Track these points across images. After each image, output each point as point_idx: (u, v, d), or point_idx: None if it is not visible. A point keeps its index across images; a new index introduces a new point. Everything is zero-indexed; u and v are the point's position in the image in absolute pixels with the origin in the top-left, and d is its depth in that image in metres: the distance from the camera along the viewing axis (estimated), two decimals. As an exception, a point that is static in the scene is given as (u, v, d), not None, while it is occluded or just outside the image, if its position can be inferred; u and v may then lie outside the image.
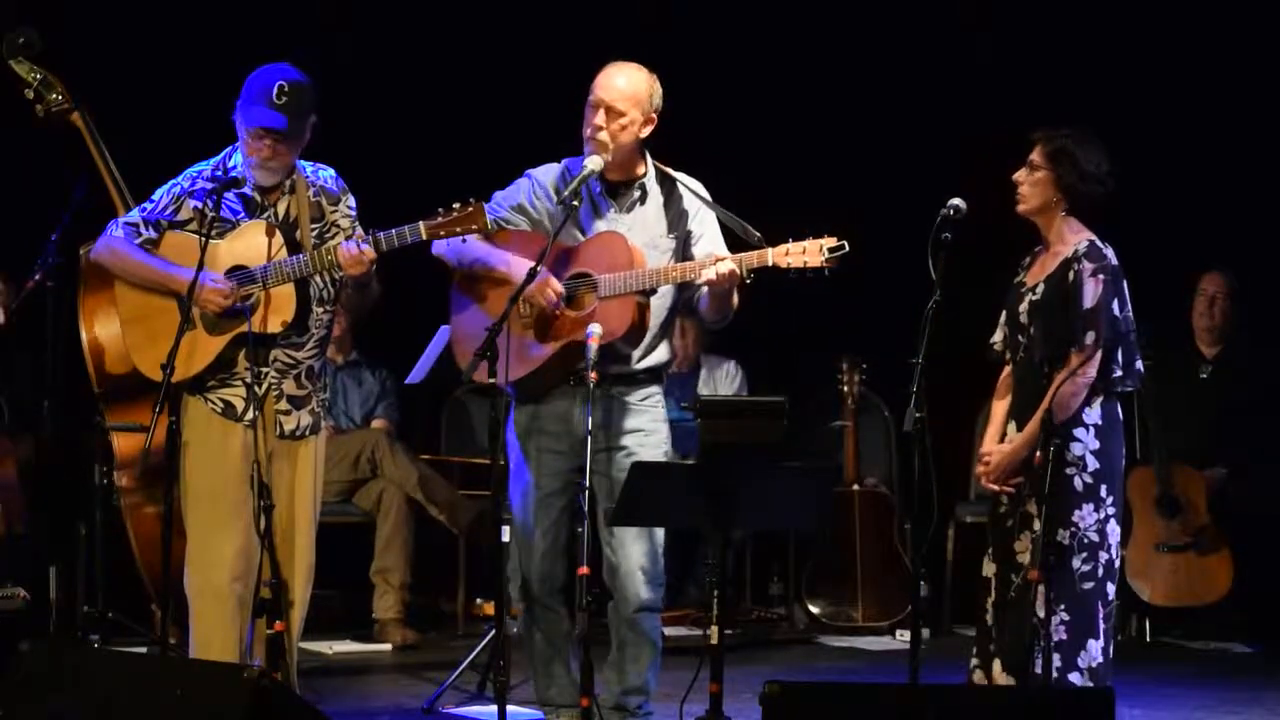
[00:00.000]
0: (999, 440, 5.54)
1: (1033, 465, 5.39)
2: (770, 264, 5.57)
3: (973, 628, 5.67)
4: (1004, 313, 5.59)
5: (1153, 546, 8.06)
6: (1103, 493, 5.41)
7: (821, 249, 5.53)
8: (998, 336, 5.61)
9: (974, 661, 5.54)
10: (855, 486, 8.61)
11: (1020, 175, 5.50)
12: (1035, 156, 5.48)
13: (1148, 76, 8.77)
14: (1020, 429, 5.47)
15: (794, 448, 8.59)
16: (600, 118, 5.73)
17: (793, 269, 5.55)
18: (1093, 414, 5.41)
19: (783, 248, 5.57)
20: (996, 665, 5.43)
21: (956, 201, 5.45)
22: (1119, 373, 5.42)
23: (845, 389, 8.70)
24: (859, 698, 4.92)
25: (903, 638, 8.13)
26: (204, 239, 5.54)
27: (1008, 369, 5.61)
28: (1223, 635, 8.16)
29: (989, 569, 5.53)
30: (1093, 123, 8.53)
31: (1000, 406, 5.60)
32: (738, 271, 5.57)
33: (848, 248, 5.55)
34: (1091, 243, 5.45)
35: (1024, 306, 5.50)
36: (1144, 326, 8.03)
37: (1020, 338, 5.52)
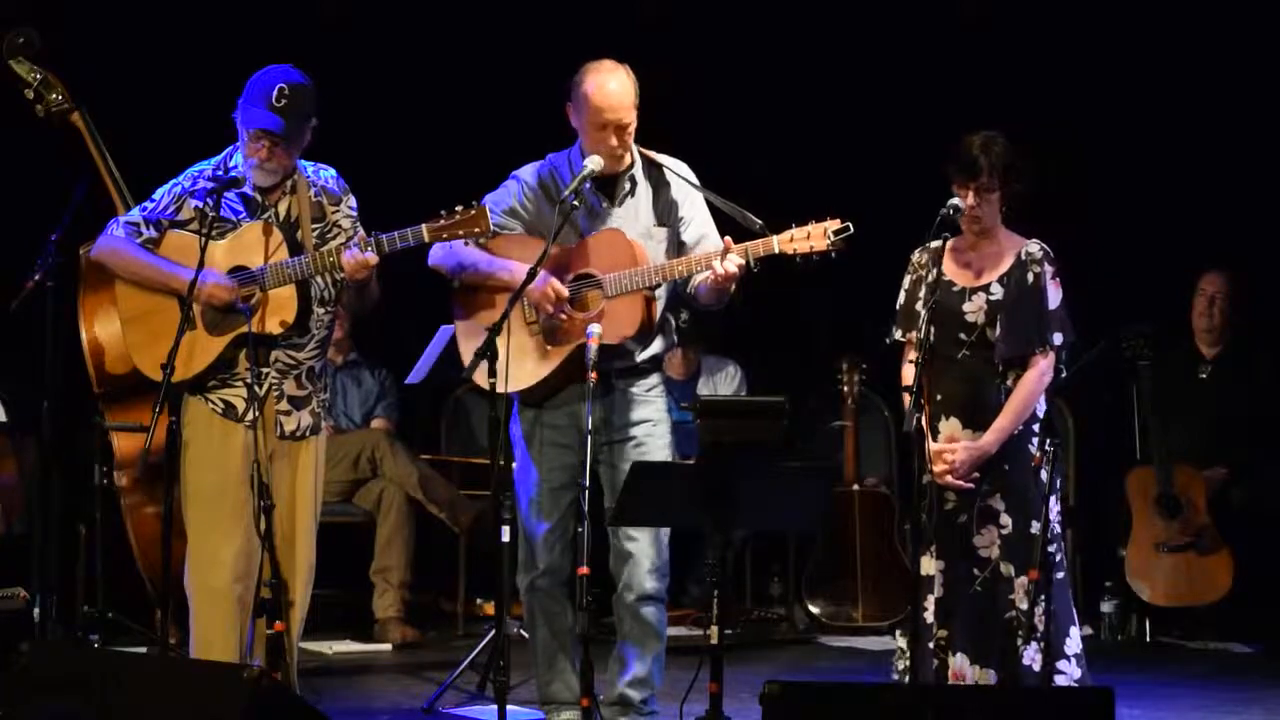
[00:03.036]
0: (934, 437, 5.52)
1: (995, 461, 5.42)
2: (776, 251, 5.58)
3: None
4: (930, 309, 5.45)
5: (1153, 546, 8.06)
6: (1058, 484, 5.49)
7: (826, 232, 5.54)
8: (923, 333, 5.50)
9: (902, 664, 5.53)
10: (855, 486, 8.61)
11: (973, 201, 5.46)
12: (985, 179, 5.44)
13: (1148, 77, 8.77)
14: (968, 425, 5.48)
15: (794, 448, 8.64)
16: (615, 139, 5.72)
17: (799, 255, 5.56)
18: (1042, 410, 5.48)
19: (787, 234, 5.58)
20: (960, 659, 5.44)
21: (956, 201, 5.46)
22: (1065, 373, 5.49)
23: (845, 389, 8.70)
24: (859, 698, 4.92)
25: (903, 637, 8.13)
26: (204, 239, 5.55)
27: (916, 365, 5.48)
28: (1222, 635, 8.15)
29: (931, 567, 5.52)
30: (1093, 123, 8.56)
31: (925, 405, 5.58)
32: (744, 263, 5.58)
33: (852, 229, 5.55)
34: (1042, 245, 5.53)
35: (973, 305, 5.49)
36: (1144, 326, 8.10)
37: (964, 336, 5.50)
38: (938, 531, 5.52)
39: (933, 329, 5.49)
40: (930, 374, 5.53)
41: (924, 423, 5.52)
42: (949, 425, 5.52)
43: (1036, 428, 5.44)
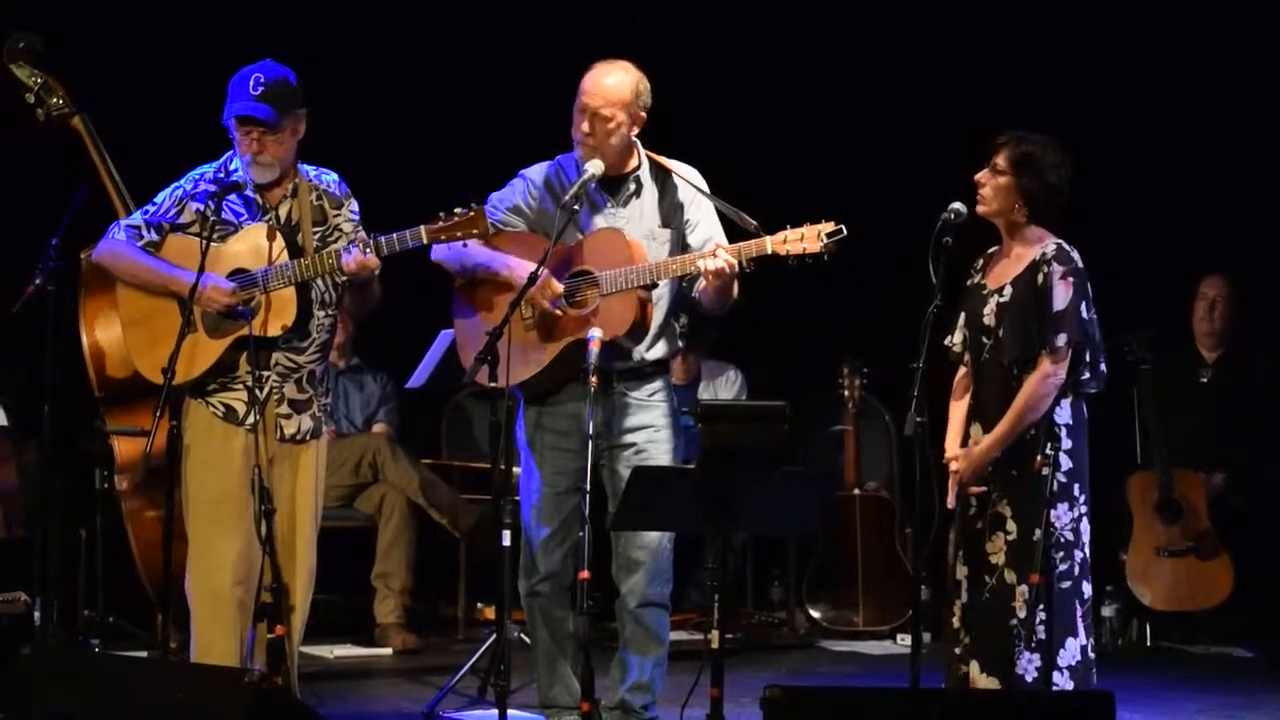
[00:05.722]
0: (962, 442, 5.53)
1: (1002, 466, 5.40)
2: (769, 252, 5.58)
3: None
4: (963, 315, 5.57)
5: (1153, 551, 8.06)
6: (1075, 491, 5.42)
7: (819, 234, 5.55)
8: (956, 338, 5.58)
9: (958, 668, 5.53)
10: (856, 491, 8.61)
11: (983, 176, 5.48)
12: (1000, 160, 5.46)
13: (1149, 79, 8.77)
14: (986, 430, 5.46)
15: (795, 452, 8.64)
16: (587, 124, 5.75)
17: (791, 256, 5.56)
18: (1063, 414, 5.41)
19: (780, 235, 5.58)
20: (974, 667, 5.43)
21: (958, 205, 5.45)
22: (1086, 374, 5.43)
23: (846, 393, 8.71)
24: (860, 702, 4.91)
25: (904, 642, 8.13)
26: (205, 242, 5.55)
27: (963, 371, 5.61)
28: (1223, 640, 8.16)
29: (961, 572, 5.52)
30: (1095, 124, 8.55)
31: (959, 408, 5.59)
32: (735, 262, 5.59)
33: (845, 232, 5.56)
34: (1060, 245, 5.45)
35: (989, 308, 5.49)
36: (1147, 329, 8.10)
37: (985, 339, 5.50)
38: (964, 537, 5.51)
39: (966, 333, 5.52)
40: (969, 378, 5.55)
41: (952, 428, 5.53)
42: (975, 429, 5.52)
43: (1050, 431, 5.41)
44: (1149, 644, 8.26)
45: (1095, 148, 8.45)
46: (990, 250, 5.61)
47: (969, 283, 5.59)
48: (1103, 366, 5.46)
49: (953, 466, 5.48)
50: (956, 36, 8.98)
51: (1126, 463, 8.30)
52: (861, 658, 8.07)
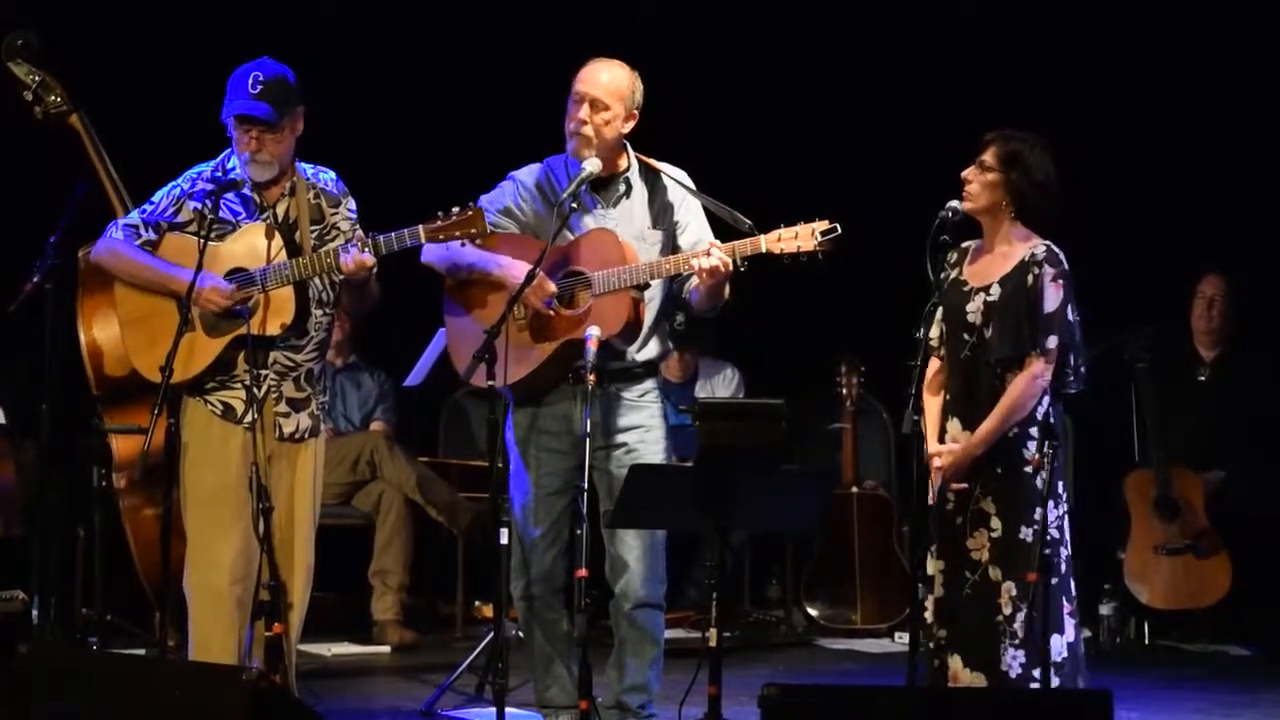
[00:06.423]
0: (939, 438, 5.52)
1: (986, 464, 5.39)
2: (763, 250, 5.58)
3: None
4: (940, 309, 5.52)
5: (1151, 549, 8.06)
6: (1060, 489, 5.42)
7: (814, 233, 5.54)
8: (934, 332, 5.54)
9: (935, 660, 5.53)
10: (854, 489, 8.61)
11: (970, 173, 5.48)
12: (987, 157, 5.45)
13: (1149, 78, 8.77)
14: (965, 426, 5.46)
15: (793, 450, 8.64)
16: (584, 111, 5.75)
17: (785, 255, 5.56)
18: (1041, 412, 5.41)
19: (774, 233, 5.58)
20: (956, 661, 5.43)
21: (955, 204, 5.45)
22: (1071, 377, 5.44)
23: (844, 391, 8.70)
24: (857, 700, 4.91)
25: (901, 640, 8.13)
26: (203, 241, 5.55)
27: (937, 365, 5.57)
28: (1221, 638, 8.16)
29: (934, 566, 5.52)
30: (1095, 124, 8.55)
31: (935, 403, 5.58)
32: (729, 260, 5.58)
33: (840, 230, 5.55)
34: (1049, 247, 5.45)
35: (974, 306, 5.47)
36: (1145, 328, 8.10)
37: (966, 336, 5.49)
38: (939, 531, 5.51)
39: (943, 329, 5.51)
40: (945, 374, 5.55)
41: (928, 423, 5.53)
42: (952, 425, 5.51)
43: (1034, 430, 5.40)
44: (1147, 642, 8.26)
45: (1095, 147, 8.51)
46: (965, 245, 5.58)
47: (944, 276, 5.55)
48: (1083, 368, 5.47)
49: (935, 462, 5.48)
50: (956, 36, 8.98)
51: (1124, 461, 8.30)
52: (859, 656, 8.07)
